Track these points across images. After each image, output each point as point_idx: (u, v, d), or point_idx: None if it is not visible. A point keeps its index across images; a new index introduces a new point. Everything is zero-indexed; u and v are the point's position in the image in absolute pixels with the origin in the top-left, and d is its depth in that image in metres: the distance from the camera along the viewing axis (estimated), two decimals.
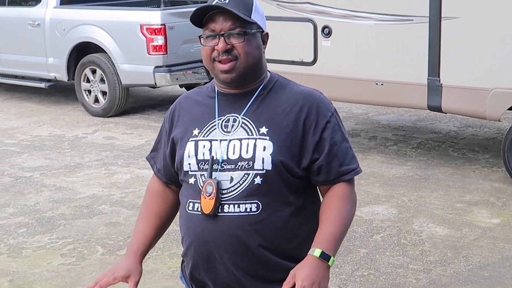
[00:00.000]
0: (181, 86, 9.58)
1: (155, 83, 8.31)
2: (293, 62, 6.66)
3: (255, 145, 2.14)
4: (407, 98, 6.17)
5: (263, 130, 2.15)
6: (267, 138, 2.15)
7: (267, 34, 2.26)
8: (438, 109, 6.03)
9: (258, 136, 2.15)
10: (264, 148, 2.13)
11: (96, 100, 8.81)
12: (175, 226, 5.29)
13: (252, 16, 2.17)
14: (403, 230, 4.96)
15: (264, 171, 2.13)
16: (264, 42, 2.25)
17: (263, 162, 2.13)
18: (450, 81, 5.87)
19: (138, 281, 2.34)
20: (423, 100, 6.03)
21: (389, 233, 4.92)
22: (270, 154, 2.13)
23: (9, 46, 9.50)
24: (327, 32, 6.45)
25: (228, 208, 2.14)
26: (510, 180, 5.77)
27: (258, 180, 2.13)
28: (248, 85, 2.22)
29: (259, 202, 2.14)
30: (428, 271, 4.36)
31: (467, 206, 5.37)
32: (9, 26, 9.49)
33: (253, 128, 2.16)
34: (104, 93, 8.71)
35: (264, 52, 2.25)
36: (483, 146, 6.88)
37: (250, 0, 2.19)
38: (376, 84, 6.25)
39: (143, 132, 7.95)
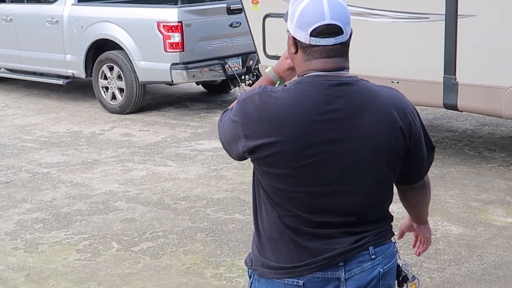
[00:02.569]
0: (197, 83, 9.62)
1: (172, 80, 8.35)
2: None
3: None
4: (423, 96, 6.15)
5: None
6: None
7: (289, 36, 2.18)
8: (454, 107, 6.01)
9: None
10: None
11: (114, 97, 8.86)
12: (190, 223, 5.32)
13: None
14: None
15: None
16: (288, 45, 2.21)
17: None
18: (466, 79, 5.85)
19: None
20: (439, 98, 6.01)
21: None
22: None
23: (28, 43, 9.58)
24: None
25: None
26: None
27: None
28: None
29: None
30: (442, 269, 4.35)
31: (483, 205, 5.35)
32: (28, 23, 9.57)
33: None
34: (121, 90, 8.76)
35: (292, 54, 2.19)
36: (499, 145, 6.85)
37: None
38: (392, 82, 6.23)
39: (159, 129, 7.99)
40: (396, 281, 2.34)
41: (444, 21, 5.88)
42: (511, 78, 5.64)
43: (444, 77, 5.94)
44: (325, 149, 2.08)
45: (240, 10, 7.62)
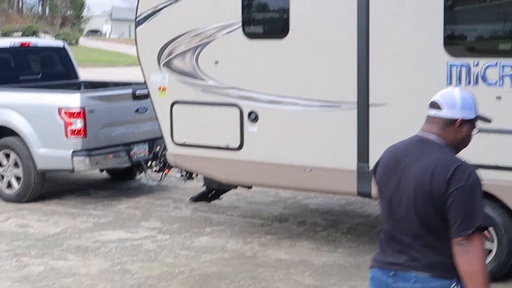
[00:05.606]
0: (101, 170, 9.23)
1: (73, 168, 7.93)
2: (218, 148, 6.45)
3: None
4: (337, 184, 6.03)
5: None
6: None
7: None
8: (368, 195, 5.90)
9: None
10: None
11: (10, 185, 8.34)
12: None
13: None
14: None
15: None
16: None
17: None
18: None
19: None
20: (353, 186, 5.90)
21: None
22: None
23: None
24: (253, 117, 6.30)
25: None
26: None
27: None
28: None
29: None
30: None
31: None
32: None
33: None
34: (18, 178, 8.27)
35: None
36: None
37: None
38: (305, 170, 6.09)
39: (59, 219, 7.52)
40: None
41: (356, 110, 5.83)
42: None
43: (357, 165, 5.85)
44: (393, 179, 2.86)
45: (147, 96, 7.38)
